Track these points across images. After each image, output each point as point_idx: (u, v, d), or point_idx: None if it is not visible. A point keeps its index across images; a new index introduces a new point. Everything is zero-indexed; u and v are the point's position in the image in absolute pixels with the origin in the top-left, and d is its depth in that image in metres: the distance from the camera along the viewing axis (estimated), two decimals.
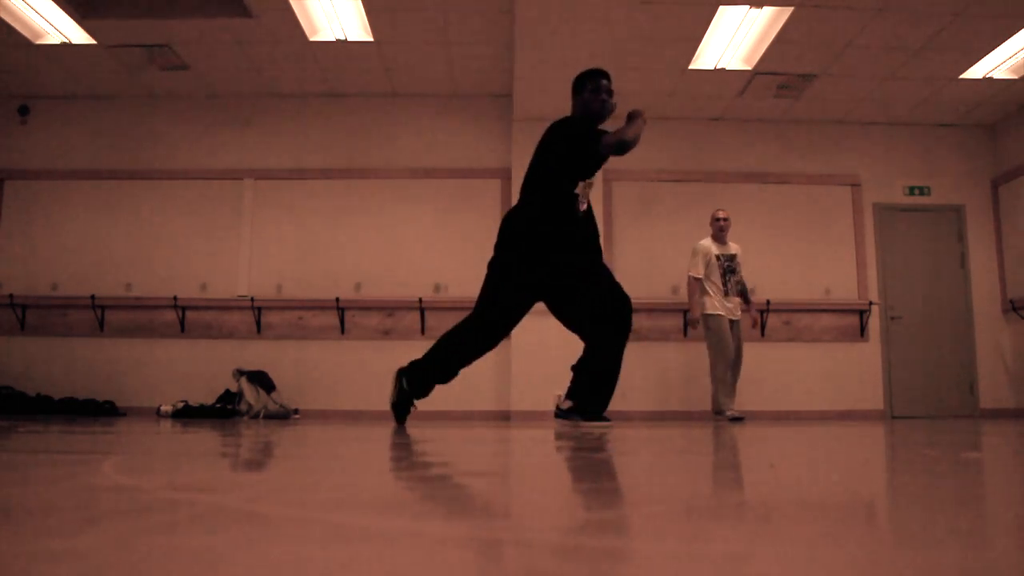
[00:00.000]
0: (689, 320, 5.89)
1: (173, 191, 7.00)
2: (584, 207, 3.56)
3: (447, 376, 3.62)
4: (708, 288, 5.81)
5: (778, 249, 7.04)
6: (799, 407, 6.75)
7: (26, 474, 1.31)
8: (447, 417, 6.27)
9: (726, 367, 5.68)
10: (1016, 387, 6.95)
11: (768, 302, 6.85)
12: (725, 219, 5.90)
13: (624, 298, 3.50)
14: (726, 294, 5.79)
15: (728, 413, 5.58)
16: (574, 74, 3.64)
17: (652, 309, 6.82)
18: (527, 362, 6.50)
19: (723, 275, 5.81)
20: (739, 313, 5.84)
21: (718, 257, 5.84)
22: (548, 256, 3.47)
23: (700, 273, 5.81)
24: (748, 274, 6.95)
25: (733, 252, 5.91)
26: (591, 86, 3.61)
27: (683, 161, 7.19)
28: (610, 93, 3.62)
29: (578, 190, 3.53)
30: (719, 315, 5.72)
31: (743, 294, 5.92)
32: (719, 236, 5.90)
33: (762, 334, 6.85)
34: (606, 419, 3.55)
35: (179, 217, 6.95)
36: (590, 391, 3.48)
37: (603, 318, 3.45)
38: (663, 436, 3.04)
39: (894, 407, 6.91)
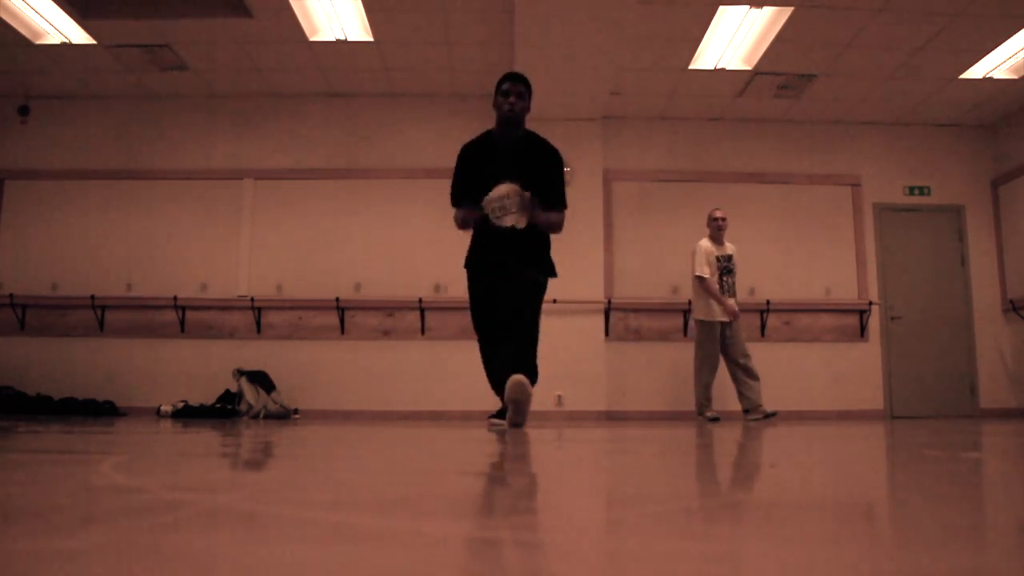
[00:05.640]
0: (729, 312, 5.71)
1: (173, 191, 6.99)
2: (506, 223, 3.43)
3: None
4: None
5: (778, 249, 7.03)
6: (799, 407, 6.74)
7: (26, 474, 1.31)
8: (447, 417, 6.27)
9: (711, 372, 5.78)
10: (1016, 387, 6.95)
11: (768, 302, 6.85)
12: (723, 219, 5.90)
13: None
14: (723, 295, 5.80)
15: (707, 414, 5.75)
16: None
17: (652, 309, 6.82)
18: None
19: (721, 276, 5.81)
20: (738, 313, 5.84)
21: (717, 258, 5.84)
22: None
23: (707, 272, 5.76)
24: (748, 274, 6.95)
25: (729, 252, 5.91)
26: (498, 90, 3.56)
27: (683, 161, 7.18)
28: (508, 94, 3.51)
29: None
30: (713, 322, 5.74)
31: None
32: (716, 236, 5.90)
33: (762, 334, 6.85)
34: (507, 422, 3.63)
35: (179, 217, 6.95)
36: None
37: None
38: (662, 436, 3.04)
39: (894, 407, 6.91)
